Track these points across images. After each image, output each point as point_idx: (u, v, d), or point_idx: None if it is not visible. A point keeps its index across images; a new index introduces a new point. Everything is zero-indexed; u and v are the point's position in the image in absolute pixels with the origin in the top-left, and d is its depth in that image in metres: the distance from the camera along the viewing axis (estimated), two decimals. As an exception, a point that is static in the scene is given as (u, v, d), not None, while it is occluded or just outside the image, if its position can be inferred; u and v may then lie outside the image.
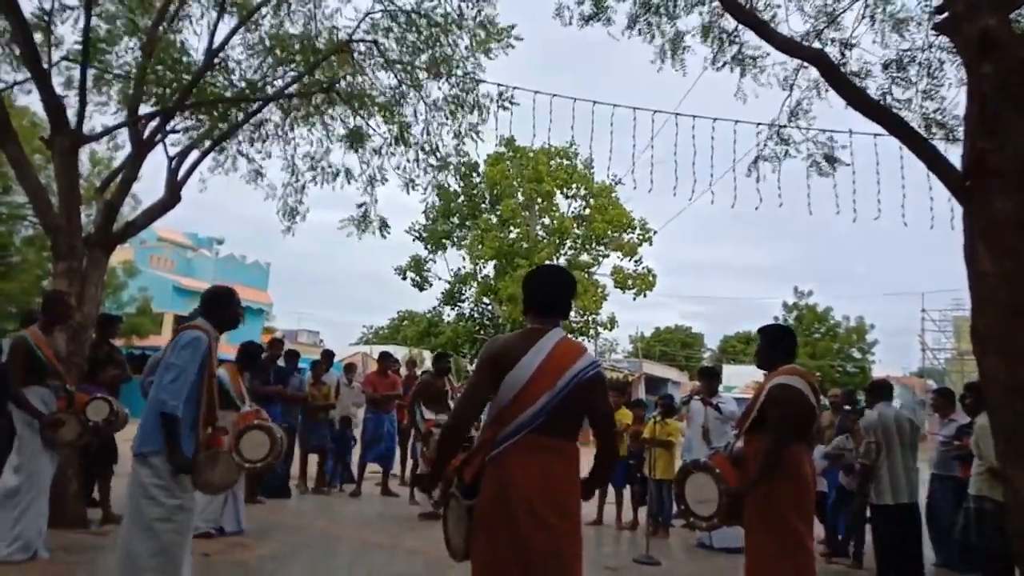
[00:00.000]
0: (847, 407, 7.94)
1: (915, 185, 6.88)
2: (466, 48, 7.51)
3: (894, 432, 5.84)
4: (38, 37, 6.53)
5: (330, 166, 8.43)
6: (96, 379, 6.26)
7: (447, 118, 7.90)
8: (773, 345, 3.95)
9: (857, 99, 4.27)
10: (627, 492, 8.30)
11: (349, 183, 8.32)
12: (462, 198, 27.44)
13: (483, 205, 28.21)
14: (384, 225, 8.45)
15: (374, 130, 8.14)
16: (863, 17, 7.00)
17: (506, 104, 7.77)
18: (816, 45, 6.66)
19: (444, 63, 7.50)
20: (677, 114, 7.95)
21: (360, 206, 8.35)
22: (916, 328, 34.40)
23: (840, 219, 7.45)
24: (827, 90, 7.10)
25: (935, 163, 3.92)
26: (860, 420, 6.48)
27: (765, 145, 7.62)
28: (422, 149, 8.03)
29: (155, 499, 3.48)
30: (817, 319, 39.66)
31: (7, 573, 4.62)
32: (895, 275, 78.12)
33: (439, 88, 7.88)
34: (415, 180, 8.15)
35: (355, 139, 8.04)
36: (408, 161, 8.12)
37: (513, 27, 7.54)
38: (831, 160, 7.52)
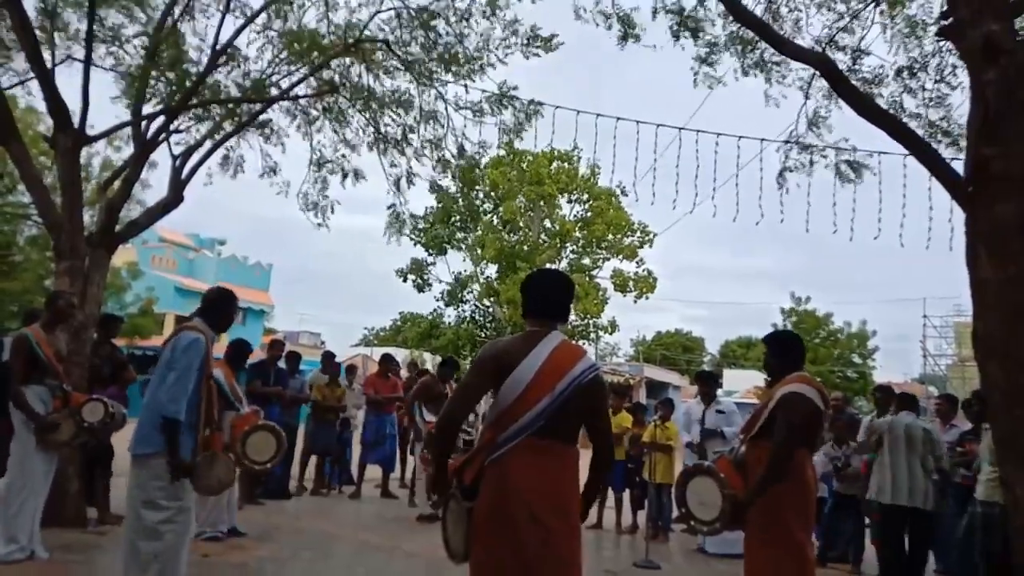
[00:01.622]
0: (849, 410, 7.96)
1: (917, 194, 6.91)
2: (481, 46, 7.55)
3: (901, 436, 5.96)
4: (41, 35, 6.55)
5: (343, 161, 8.49)
6: (116, 381, 6.28)
7: (466, 120, 7.96)
8: (782, 353, 3.91)
9: (861, 104, 4.27)
10: (627, 496, 8.28)
11: (356, 184, 8.38)
12: (461, 202, 27.43)
13: (483, 207, 28.21)
14: (416, 221, 8.60)
15: (378, 131, 8.17)
16: (872, 23, 7.00)
17: (520, 136, 7.89)
18: (828, 52, 6.66)
19: (454, 62, 7.53)
20: (681, 128, 8.00)
21: (390, 207, 8.46)
22: (917, 334, 34.39)
23: (842, 226, 7.45)
24: (832, 98, 7.12)
25: (937, 168, 3.93)
26: (872, 422, 6.63)
27: (787, 156, 7.61)
28: (436, 148, 8.09)
29: (156, 502, 3.48)
30: (817, 324, 39.59)
31: (6, 573, 4.61)
32: (896, 281, 77.91)
33: (445, 87, 7.92)
34: (439, 183, 8.27)
35: (379, 140, 8.10)
36: (435, 164, 8.20)
37: (554, 36, 7.62)
38: (856, 167, 7.49)
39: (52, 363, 5.15)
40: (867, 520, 6.90)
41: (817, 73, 7.03)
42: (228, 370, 6.29)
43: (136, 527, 3.48)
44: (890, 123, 4.30)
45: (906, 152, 5.04)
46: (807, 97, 7.25)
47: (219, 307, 3.91)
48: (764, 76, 7.30)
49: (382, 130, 8.15)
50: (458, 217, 27.92)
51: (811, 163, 7.58)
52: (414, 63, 7.72)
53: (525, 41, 7.53)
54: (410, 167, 8.28)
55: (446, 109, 7.97)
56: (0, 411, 5.17)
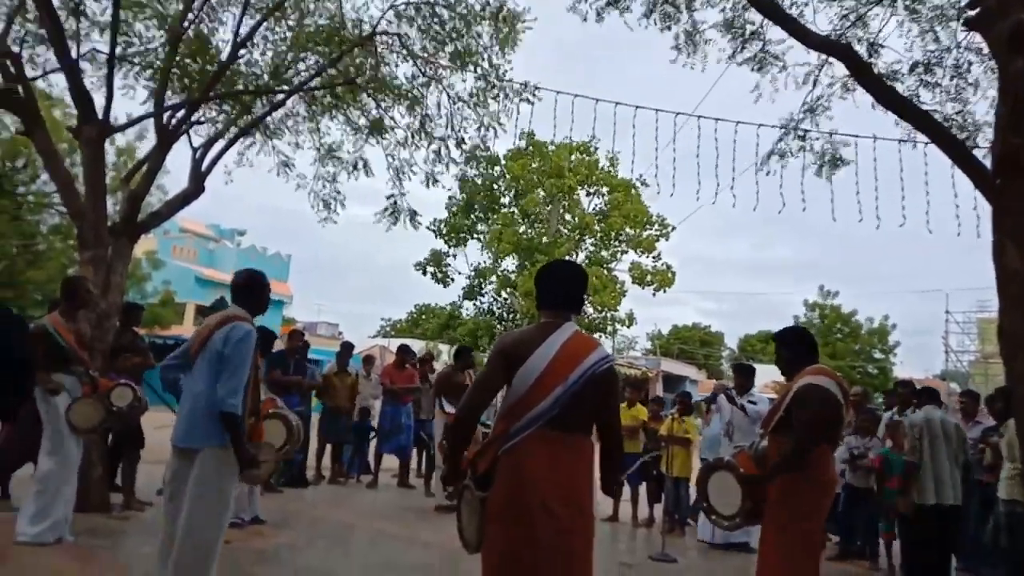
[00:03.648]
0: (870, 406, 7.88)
1: (939, 185, 6.83)
2: (489, 38, 7.51)
3: (940, 434, 5.79)
4: (68, 26, 6.63)
5: (354, 155, 8.54)
6: (115, 366, 6.34)
7: (471, 110, 7.94)
8: (794, 349, 3.88)
9: (885, 95, 4.21)
10: (643, 489, 8.26)
11: (368, 175, 8.44)
12: (481, 192, 27.45)
13: (504, 200, 28.21)
14: (414, 215, 8.62)
15: (395, 122, 8.21)
16: (889, 16, 6.90)
17: (529, 98, 7.78)
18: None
19: (468, 55, 7.52)
20: (700, 116, 7.93)
21: (389, 198, 8.48)
22: (939, 329, 33.95)
23: (863, 217, 7.38)
24: (853, 90, 7.04)
25: (963, 160, 3.86)
26: (905, 419, 6.41)
27: (781, 140, 7.59)
28: (444, 142, 8.09)
29: (224, 492, 3.50)
30: (840, 320, 39.16)
31: (35, 554, 4.71)
32: (918, 274, 76.54)
33: (463, 81, 7.93)
34: (437, 175, 8.25)
35: (377, 129, 8.10)
36: (432, 154, 8.21)
37: (527, 10, 7.54)
38: (836, 162, 7.50)
39: (75, 350, 5.22)
40: (882, 516, 6.84)
41: (826, 64, 6.99)
42: None
43: (206, 517, 3.44)
44: (915, 114, 4.24)
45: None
46: (814, 86, 7.19)
47: (253, 291, 3.83)
48: (759, 69, 7.27)
49: (390, 121, 8.17)
50: (478, 209, 27.93)
51: (824, 160, 7.55)
52: (423, 56, 7.72)
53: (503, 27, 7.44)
54: (410, 161, 8.32)
55: (450, 103, 7.98)
56: (25, 400, 5.24)
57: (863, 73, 4.38)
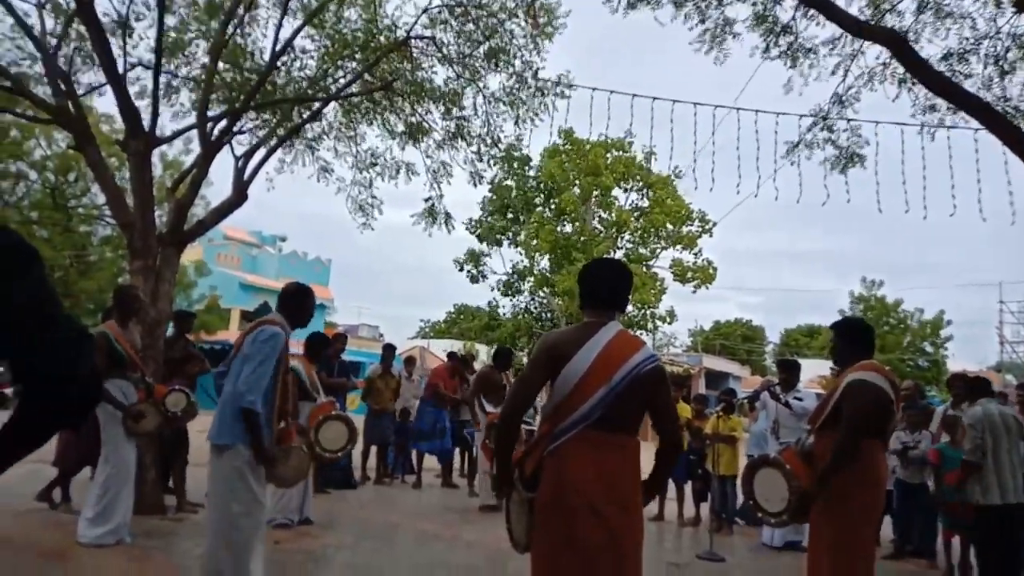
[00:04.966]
0: (922, 401, 7.66)
1: (990, 173, 6.58)
2: (523, 37, 7.53)
3: (1001, 429, 5.47)
4: (114, 43, 6.83)
5: (392, 160, 8.64)
6: (183, 373, 6.51)
7: (507, 108, 7.96)
8: (850, 340, 3.80)
9: (936, 81, 4.09)
10: (688, 487, 8.16)
11: (410, 179, 8.50)
12: (515, 193, 27.48)
13: (537, 199, 28.18)
14: (448, 218, 8.69)
15: (432, 125, 8.27)
16: (926, 7, 6.70)
17: (563, 93, 7.78)
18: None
19: (502, 53, 7.55)
20: (739, 108, 7.80)
21: (427, 200, 8.56)
22: (993, 320, 32.85)
23: (910, 207, 7.16)
24: (882, 81, 6.86)
25: (1018, 143, 3.73)
26: (965, 415, 6.15)
27: (810, 130, 7.47)
28: (483, 140, 8.12)
29: (237, 492, 3.54)
30: (887, 311, 38.18)
31: (95, 556, 4.87)
32: (970, 264, 73.89)
33: (499, 81, 7.96)
34: (480, 172, 8.31)
35: (417, 133, 8.19)
36: (473, 154, 8.26)
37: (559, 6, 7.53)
38: (853, 158, 7.38)
39: (132, 357, 5.39)
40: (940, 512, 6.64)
41: (860, 53, 6.82)
42: (307, 362, 6.52)
43: (221, 516, 3.54)
44: (968, 99, 4.11)
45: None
46: (845, 75, 7.01)
47: (296, 301, 3.94)
48: (791, 60, 7.14)
49: (427, 124, 8.24)
50: (511, 211, 27.97)
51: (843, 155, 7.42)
52: (458, 58, 7.76)
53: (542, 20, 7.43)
54: (447, 164, 8.37)
55: (486, 103, 8.01)
56: (94, 409, 5.42)
57: (908, 57, 4.26)
